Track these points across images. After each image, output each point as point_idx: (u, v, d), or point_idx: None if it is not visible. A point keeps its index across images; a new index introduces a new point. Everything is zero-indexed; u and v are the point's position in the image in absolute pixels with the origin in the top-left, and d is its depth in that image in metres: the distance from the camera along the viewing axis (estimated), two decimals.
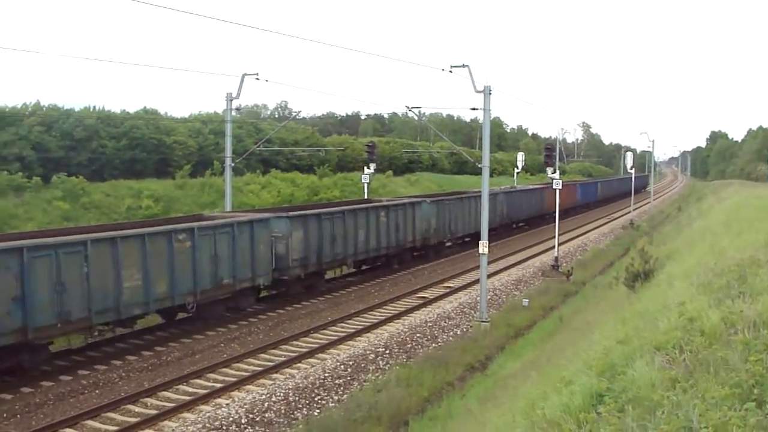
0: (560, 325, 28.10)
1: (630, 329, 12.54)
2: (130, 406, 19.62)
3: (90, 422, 18.52)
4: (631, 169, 78.28)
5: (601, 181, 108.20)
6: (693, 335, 9.84)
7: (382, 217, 38.54)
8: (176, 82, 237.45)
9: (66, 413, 18.92)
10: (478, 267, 31.59)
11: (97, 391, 20.82)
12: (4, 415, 18.82)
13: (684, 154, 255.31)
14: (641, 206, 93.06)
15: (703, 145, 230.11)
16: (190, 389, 21.12)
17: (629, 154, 79.50)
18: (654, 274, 23.88)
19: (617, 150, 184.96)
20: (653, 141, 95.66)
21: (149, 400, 20.11)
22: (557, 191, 41.96)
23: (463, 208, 49.19)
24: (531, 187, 70.83)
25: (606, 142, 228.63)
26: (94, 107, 52.30)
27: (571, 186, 78.41)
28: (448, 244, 48.85)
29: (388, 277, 39.05)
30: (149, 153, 49.52)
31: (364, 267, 40.14)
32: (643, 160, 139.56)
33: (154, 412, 19.18)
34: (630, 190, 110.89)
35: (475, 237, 45.11)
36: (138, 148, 49.18)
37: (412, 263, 43.05)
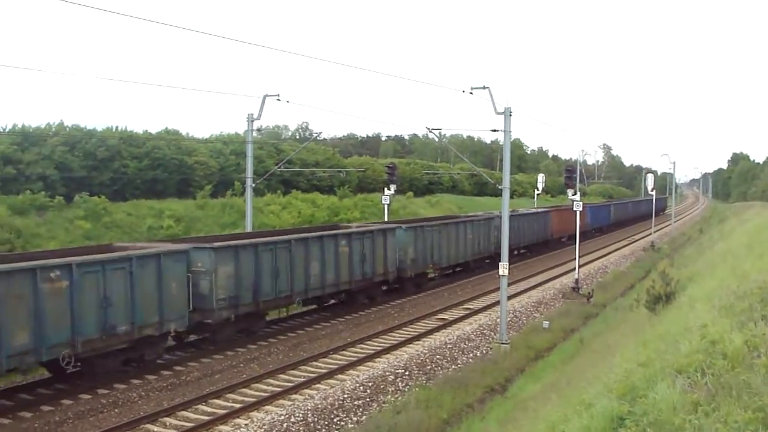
0: (581, 348, 27.95)
1: (651, 352, 12.46)
2: (149, 426, 19.63)
3: None
4: (651, 191, 78.00)
5: (614, 203, 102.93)
6: (715, 358, 9.77)
7: (343, 246, 33.64)
8: (198, 103, 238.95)
9: (85, 431, 18.96)
10: (497, 289, 31.51)
11: (116, 410, 20.87)
12: None
13: (705, 175, 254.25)
14: (661, 229, 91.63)
15: (725, 166, 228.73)
16: (209, 409, 21.12)
17: (650, 176, 79.26)
18: (675, 296, 23.72)
19: (638, 172, 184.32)
20: (674, 163, 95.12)
21: (168, 420, 20.12)
22: (577, 213, 41.86)
23: (448, 235, 44.15)
24: (533, 210, 65.53)
25: (627, 163, 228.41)
26: (117, 127, 52.53)
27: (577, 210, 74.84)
28: (432, 275, 43.55)
29: (407, 299, 38.97)
30: (171, 173, 49.72)
31: (323, 305, 35.35)
32: (664, 181, 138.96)
33: (172, 431, 19.19)
34: (646, 213, 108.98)
35: (465, 267, 44.30)
36: (159, 168, 49.40)
37: (386, 298, 38.96)
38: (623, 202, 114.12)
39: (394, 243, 37.93)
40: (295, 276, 30.14)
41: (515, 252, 56.26)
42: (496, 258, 44.29)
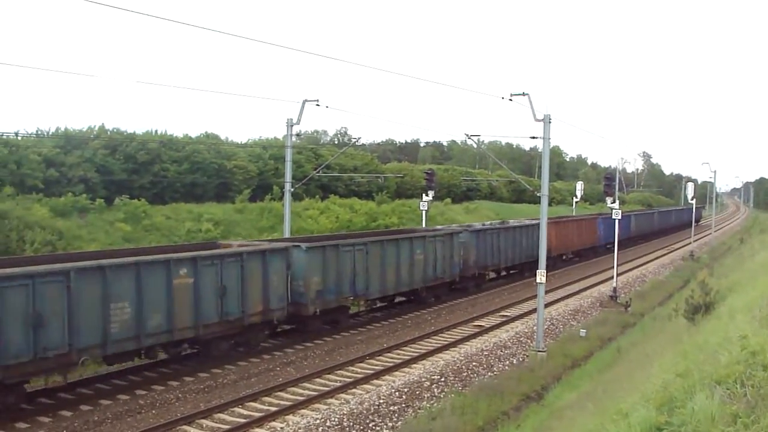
0: (618, 357, 27.75)
1: (690, 362, 12.35)
2: (186, 427, 19.78)
3: None
4: (692, 200, 77.27)
5: (636, 213, 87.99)
6: (755, 369, 9.67)
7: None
8: (238, 108, 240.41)
9: None
10: (534, 296, 31.35)
11: (153, 411, 21.06)
12: (64, 431, 19.12)
13: (747, 185, 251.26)
14: (685, 246, 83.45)
15: (767, 176, 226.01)
16: (245, 412, 21.23)
17: (690, 185, 78.48)
18: (715, 306, 23.48)
19: (678, 180, 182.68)
20: (715, 172, 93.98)
21: (204, 422, 20.25)
22: (616, 222, 41.56)
23: (383, 257, 33.87)
24: (525, 222, 53.05)
25: (667, 172, 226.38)
26: (157, 131, 53.19)
27: (584, 221, 65.06)
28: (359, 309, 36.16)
29: (444, 305, 38.97)
30: (210, 177, 50.14)
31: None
32: (704, 190, 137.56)
33: None
34: (677, 225, 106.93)
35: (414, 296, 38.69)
36: (199, 172, 49.82)
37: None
38: (648, 212, 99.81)
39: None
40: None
41: (493, 274, 48.72)
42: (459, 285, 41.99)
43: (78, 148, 42.82)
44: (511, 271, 51.10)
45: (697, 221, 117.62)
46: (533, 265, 35.32)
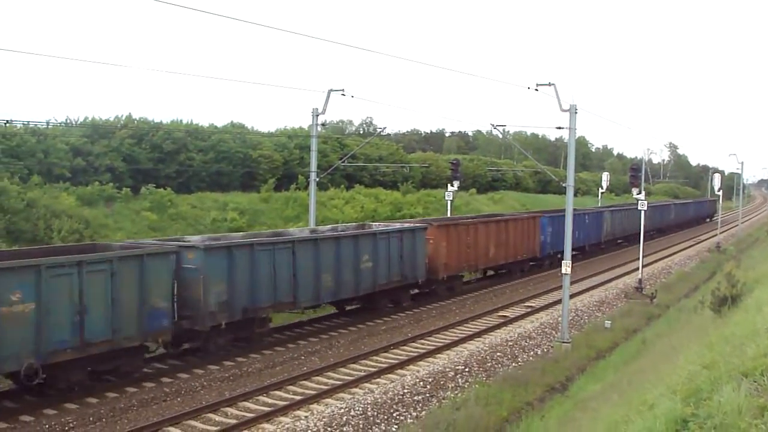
0: (643, 348, 27.62)
1: (716, 354, 12.29)
2: (211, 415, 19.90)
3: (171, 429, 18.87)
4: (718, 191, 76.56)
5: (614, 210, 66.14)
6: None
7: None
8: (263, 97, 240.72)
9: (149, 419, 19.31)
10: (560, 287, 31.26)
11: (179, 399, 21.20)
12: (90, 418, 19.29)
13: None
14: (705, 239, 78.09)
15: None
16: (270, 400, 21.32)
17: (717, 176, 77.72)
18: (741, 298, 23.31)
19: (704, 171, 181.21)
20: (742, 163, 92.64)
21: (229, 410, 20.37)
22: (642, 213, 41.30)
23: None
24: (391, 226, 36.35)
25: (693, 163, 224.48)
26: (183, 121, 53.44)
27: (512, 222, 44.65)
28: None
29: (469, 295, 38.97)
30: (235, 166, 50.30)
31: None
32: (731, 182, 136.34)
33: (233, 421, 19.41)
34: (680, 222, 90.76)
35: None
36: (224, 161, 49.99)
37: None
38: (634, 207, 61.92)
39: None
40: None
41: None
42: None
43: (105, 137, 43.09)
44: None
45: (709, 217, 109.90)
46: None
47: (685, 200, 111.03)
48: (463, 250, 38.52)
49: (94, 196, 38.20)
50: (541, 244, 47.67)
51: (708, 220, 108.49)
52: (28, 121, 36.32)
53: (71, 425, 18.80)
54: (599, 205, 72.67)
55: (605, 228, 61.23)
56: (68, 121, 45.13)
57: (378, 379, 23.52)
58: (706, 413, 8.68)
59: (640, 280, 40.92)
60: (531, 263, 47.94)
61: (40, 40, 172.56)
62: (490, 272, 45.60)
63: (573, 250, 44.95)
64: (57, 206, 34.26)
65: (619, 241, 66.98)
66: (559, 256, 41.46)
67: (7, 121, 25.93)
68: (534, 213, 52.71)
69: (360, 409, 20.12)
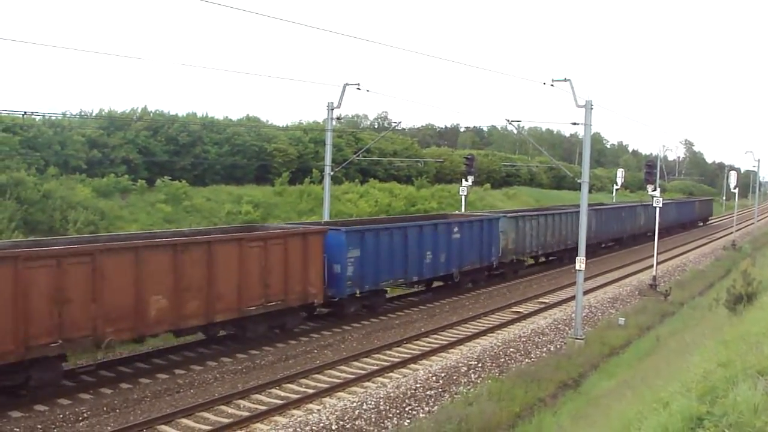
0: (656, 346, 27.56)
1: (732, 352, 12.24)
2: (224, 407, 19.97)
3: (184, 420, 18.94)
4: (734, 188, 76.20)
5: (558, 212, 50.12)
6: None
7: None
8: (279, 91, 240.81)
9: (162, 410, 19.41)
10: (573, 283, 31.21)
11: (192, 391, 21.28)
12: (104, 409, 19.40)
13: None
14: (720, 237, 77.56)
15: None
16: (283, 393, 21.37)
17: (733, 174, 77.33)
18: (757, 296, 23.23)
19: (720, 169, 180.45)
20: (759, 160, 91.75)
21: (242, 402, 20.44)
22: (657, 210, 41.18)
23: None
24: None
25: (709, 160, 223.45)
26: (199, 114, 53.52)
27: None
28: None
29: (482, 291, 38.96)
30: (250, 159, 50.35)
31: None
32: (747, 179, 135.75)
33: (246, 414, 19.48)
34: (668, 226, 71.17)
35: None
36: (239, 154, 50.06)
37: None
38: (606, 207, 60.59)
39: None
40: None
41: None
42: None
43: (121, 129, 43.20)
44: None
45: (703, 221, 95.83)
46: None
47: (660, 201, 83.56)
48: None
49: (109, 188, 38.31)
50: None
51: (701, 224, 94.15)
52: (45, 113, 36.36)
53: (85, 415, 18.91)
54: (614, 201, 72.45)
55: (547, 236, 48.07)
56: (83, 113, 45.26)
57: (391, 374, 23.56)
58: (722, 411, 8.64)
59: (654, 277, 40.78)
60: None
61: (57, 33, 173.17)
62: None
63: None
64: (73, 198, 34.37)
65: (604, 245, 59.16)
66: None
67: (25, 112, 25.99)
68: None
69: (372, 403, 20.14)
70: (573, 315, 30.06)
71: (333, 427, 18.50)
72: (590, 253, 42.81)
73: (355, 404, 19.97)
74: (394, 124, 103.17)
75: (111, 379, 21.75)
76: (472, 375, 23.63)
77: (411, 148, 72.24)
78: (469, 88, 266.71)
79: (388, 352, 26.25)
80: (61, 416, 18.72)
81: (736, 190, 77.10)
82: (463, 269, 37.60)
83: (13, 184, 31.97)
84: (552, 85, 28.74)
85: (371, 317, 31.39)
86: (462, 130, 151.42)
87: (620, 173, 75.11)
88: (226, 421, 18.90)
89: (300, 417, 19.14)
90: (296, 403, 20.30)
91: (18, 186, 32.06)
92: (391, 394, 20.93)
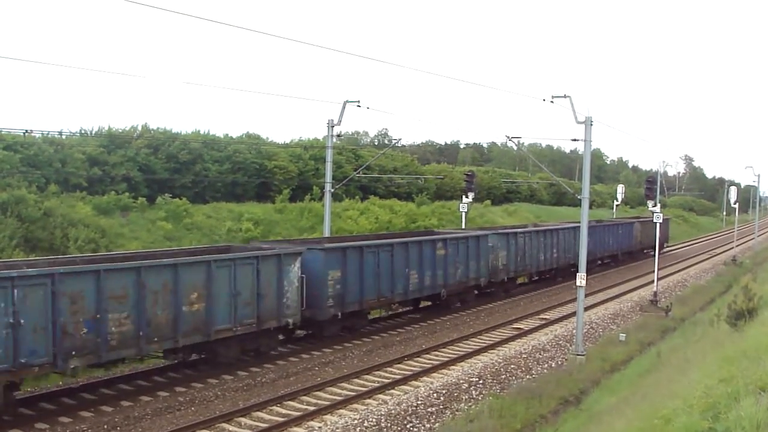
0: (658, 362, 27.49)
1: (734, 368, 12.23)
2: (225, 425, 19.92)
3: None
4: (734, 203, 76.19)
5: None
6: None
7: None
8: (279, 108, 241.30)
9: (163, 428, 19.36)
10: (574, 299, 31.20)
11: (192, 408, 21.24)
12: (105, 426, 19.37)
13: None
14: (721, 253, 80.00)
15: None
16: (284, 411, 21.33)
17: (733, 189, 77.34)
18: (758, 312, 23.21)
19: (720, 184, 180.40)
20: (759, 175, 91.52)
21: (243, 420, 20.39)
22: (657, 226, 41.20)
23: None
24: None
25: (709, 175, 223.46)
26: (200, 131, 53.61)
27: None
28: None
29: (484, 307, 38.94)
30: (250, 177, 50.43)
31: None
32: (748, 194, 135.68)
33: (247, 431, 19.44)
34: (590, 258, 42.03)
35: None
36: (240, 171, 50.14)
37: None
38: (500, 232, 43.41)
39: None
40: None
41: None
42: None
43: (121, 147, 43.29)
44: None
45: (651, 249, 60.25)
46: None
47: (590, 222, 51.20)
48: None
49: (110, 206, 38.34)
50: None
51: (649, 251, 66.81)
52: (46, 131, 36.49)
53: None
54: (614, 216, 72.28)
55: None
56: (83, 131, 45.33)
57: (392, 391, 23.50)
58: (725, 428, 8.64)
59: (655, 293, 40.76)
60: None
61: (57, 50, 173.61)
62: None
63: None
64: (73, 215, 34.40)
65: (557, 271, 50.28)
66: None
67: (26, 130, 26.11)
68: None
69: (374, 420, 20.13)
70: (574, 331, 30.03)
71: None
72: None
73: (356, 421, 19.95)
74: (394, 141, 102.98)
75: (111, 397, 21.71)
76: (474, 392, 23.60)
77: (411, 164, 72.36)
78: (469, 104, 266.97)
79: (389, 368, 26.19)
80: None
81: (737, 205, 77.07)
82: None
83: (14, 201, 31.99)
84: (552, 102, 28.81)
85: (372, 335, 31.34)
86: (462, 146, 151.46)
87: (620, 189, 75.10)
88: None
89: None
90: (297, 421, 20.26)
91: (19, 204, 32.08)
92: (393, 411, 20.90)
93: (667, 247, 77.79)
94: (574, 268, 33.58)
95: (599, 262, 58.43)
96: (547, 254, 47.06)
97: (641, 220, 68.84)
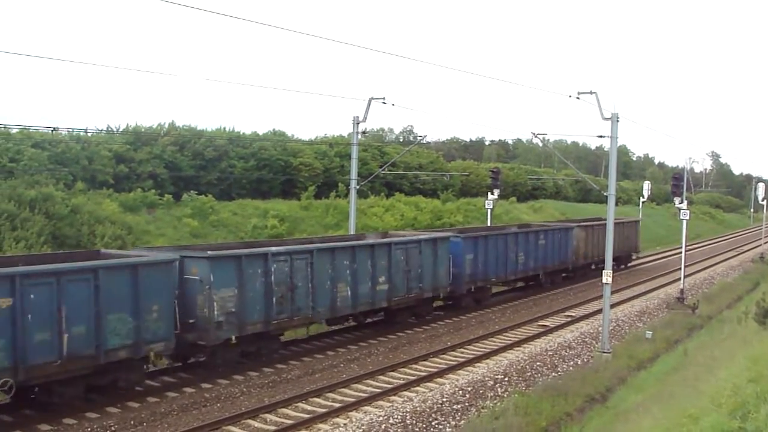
0: (684, 360, 27.36)
1: (762, 367, 12.13)
2: (250, 421, 19.98)
3: None
4: (762, 200, 75.61)
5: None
6: None
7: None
8: (305, 105, 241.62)
9: (189, 424, 19.42)
10: (600, 297, 31.04)
11: (218, 405, 21.31)
12: (132, 422, 19.47)
13: None
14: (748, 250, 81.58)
15: None
16: (309, 407, 21.35)
17: (761, 185, 76.78)
18: None
19: (748, 181, 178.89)
20: None
21: (268, 416, 20.43)
22: (684, 223, 40.86)
23: None
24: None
25: (736, 172, 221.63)
26: (225, 128, 53.78)
27: None
28: None
29: (509, 304, 38.85)
30: (276, 174, 50.51)
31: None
32: None
33: (273, 428, 19.47)
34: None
35: None
36: (265, 168, 50.23)
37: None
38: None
39: None
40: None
41: None
42: None
43: (147, 144, 43.52)
44: None
45: (624, 263, 55.91)
46: None
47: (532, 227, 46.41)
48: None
49: (136, 203, 38.57)
50: None
51: (622, 266, 55.46)
52: (73, 129, 36.70)
53: (113, 429, 18.99)
54: (640, 215, 71.80)
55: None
56: (110, 128, 45.59)
57: (417, 388, 23.48)
58: (754, 427, 8.56)
59: (681, 291, 40.50)
60: None
61: (84, 49, 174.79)
62: None
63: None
64: (100, 212, 34.62)
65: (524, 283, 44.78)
66: None
67: (54, 128, 26.27)
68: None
69: (399, 417, 20.11)
70: (600, 328, 29.90)
71: None
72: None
73: (381, 418, 19.94)
74: (419, 138, 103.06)
75: (138, 393, 21.82)
76: (499, 389, 23.53)
77: (436, 161, 72.20)
78: (495, 101, 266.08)
79: (414, 366, 26.17)
80: (89, 429, 18.81)
81: (765, 202, 76.48)
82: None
83: (42, 199, 32.24)
84: (578, 98, 28.67)
85: (398, 331, 31.37)
86: (487, 143, 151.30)
87: (647, 185, 74.67)
88: None
89: (326, 431, 19.15)
90: (322, 417, 20.28)
91: (47, 201, 32.32)
92: (418, 408, 20.88)
93: (636, 258, 59.82)
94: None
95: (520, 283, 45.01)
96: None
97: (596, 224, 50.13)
